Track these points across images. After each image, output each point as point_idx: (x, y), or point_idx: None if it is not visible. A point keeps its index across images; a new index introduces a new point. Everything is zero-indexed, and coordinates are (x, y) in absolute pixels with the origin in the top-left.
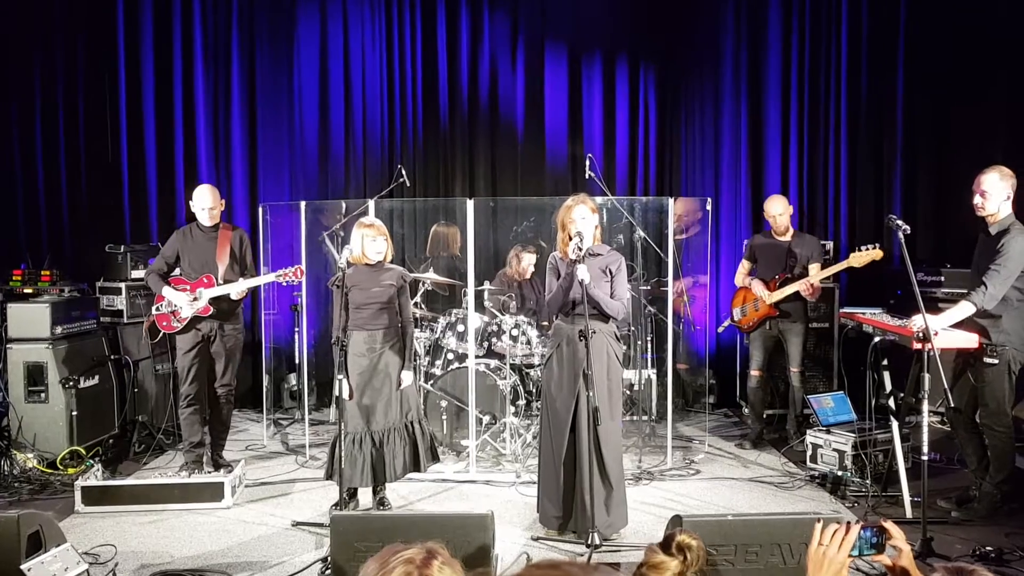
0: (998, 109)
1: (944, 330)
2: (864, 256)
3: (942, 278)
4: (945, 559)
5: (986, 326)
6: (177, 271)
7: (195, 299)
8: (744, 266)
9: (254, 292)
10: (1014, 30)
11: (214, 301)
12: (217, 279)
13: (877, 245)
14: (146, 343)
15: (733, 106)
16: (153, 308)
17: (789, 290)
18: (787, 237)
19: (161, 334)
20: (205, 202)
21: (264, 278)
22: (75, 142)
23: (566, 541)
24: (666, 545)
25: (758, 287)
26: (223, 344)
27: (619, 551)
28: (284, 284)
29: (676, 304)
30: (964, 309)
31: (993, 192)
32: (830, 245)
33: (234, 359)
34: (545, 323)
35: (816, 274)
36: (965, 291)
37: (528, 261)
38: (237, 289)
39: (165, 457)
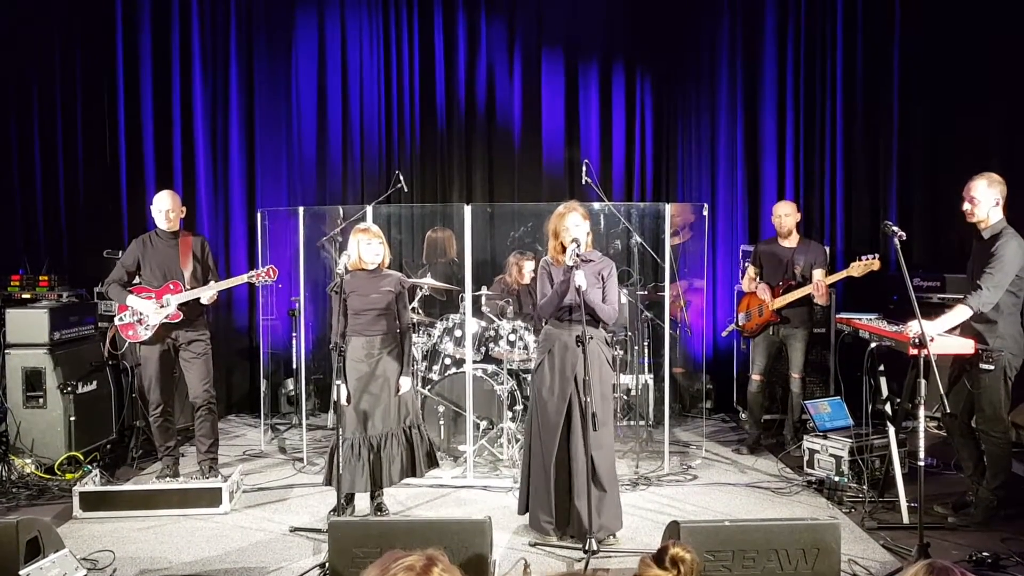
0: (993, 116)
1: (940, 336)
2: (863, 266)
3: (939, 283)
4: None
5: (983, 331)
6: (137, 279)
7: (162, 306)
8: (751, 271)
9: (252, 297)
10: (1008, 37)
11: (182, 306)
12: (184, 285)
13: (876, 256)
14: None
15: (729, 112)
16: (116, 319)
17: (792, 296)
18: (791, 243)
19: (126, 344)
20: (164, 204)
21: (236, 279)
22: (73, 147)
23: (564, 547)
24: (659, 558)
25: (764, 292)
26: (193, 353)
27: (616, 556)
28: (258, 284)
29: (673, 309)
30: (961, 313)
31: (982, 199)
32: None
33: (208, 366)
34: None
35: (822, 279)
36: (962, 296)
37: (528, 270)
38: (208, 293)
39: (163, 462)
